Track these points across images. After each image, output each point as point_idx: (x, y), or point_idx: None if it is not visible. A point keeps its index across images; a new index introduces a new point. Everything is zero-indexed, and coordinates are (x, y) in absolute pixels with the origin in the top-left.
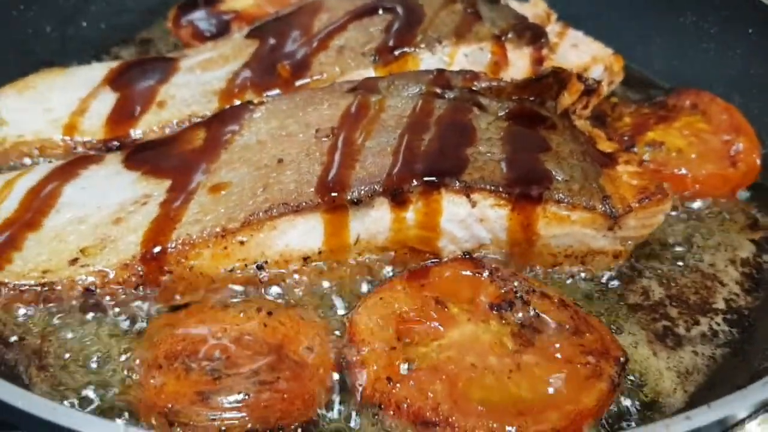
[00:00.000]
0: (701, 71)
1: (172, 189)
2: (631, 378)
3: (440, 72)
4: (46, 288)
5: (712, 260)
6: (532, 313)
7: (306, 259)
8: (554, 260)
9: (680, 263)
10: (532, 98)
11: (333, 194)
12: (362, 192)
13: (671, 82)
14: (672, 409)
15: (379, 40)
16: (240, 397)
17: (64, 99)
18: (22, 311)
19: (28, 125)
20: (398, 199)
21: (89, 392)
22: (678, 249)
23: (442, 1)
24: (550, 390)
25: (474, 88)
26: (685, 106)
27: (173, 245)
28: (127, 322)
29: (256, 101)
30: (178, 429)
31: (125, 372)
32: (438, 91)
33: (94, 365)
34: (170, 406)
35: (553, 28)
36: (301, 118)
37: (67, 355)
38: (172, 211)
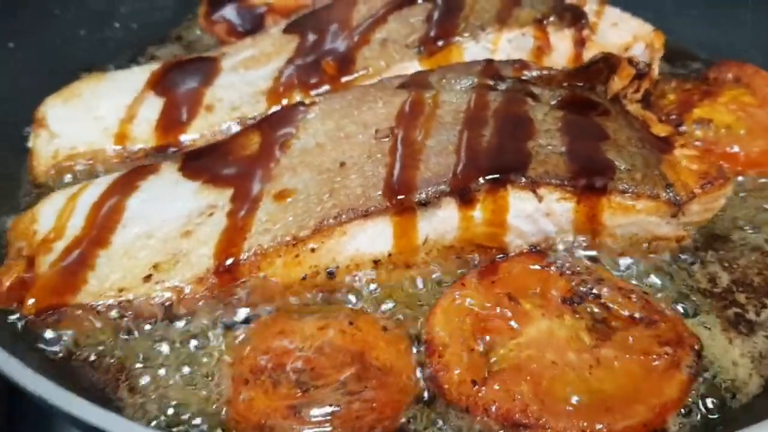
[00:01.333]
0: (739, 41)
1: (235, 198)
2: (709, 364)
3: (489, 63)
4: (124, 306)
5: None
6: (604, 305)
7: (377, 263)
8: (619, 249)
9: (739, 243)
10: (581, 84)
11: (400, 197)
12: (429, 193)
13: (709, 54)
14: (750, 395)
15: (421, 31)
16: (332, 409)
17: (111, 106)
18: (100, 330)
19: (79, 136)
20: (465, 198)
21: (180, 411)
22: (734, 229)
23: None
24: (632, 384)
25: (524, 78)
26: (727, 80)
27: (245, 256)
28: (207, 337)
29: (307, 101)
30: None
31: (213, 388)
32: (490, 83)
33: (180, 382)
34: (264, 421)
35: (590, 7)
36: (357, 118)
37: (152, 373)
38: (240, 221)
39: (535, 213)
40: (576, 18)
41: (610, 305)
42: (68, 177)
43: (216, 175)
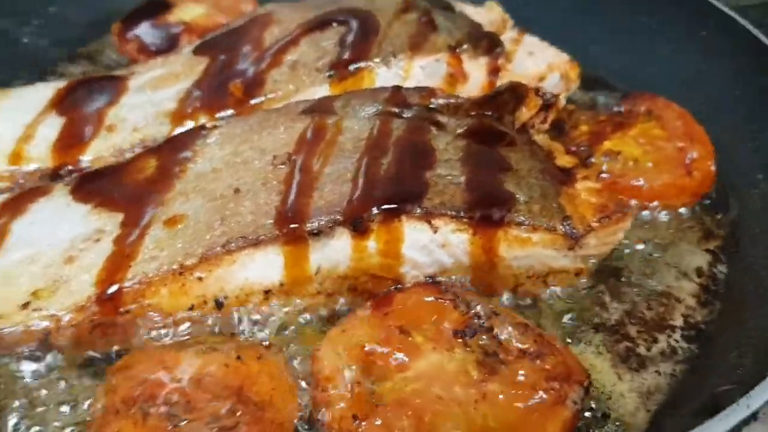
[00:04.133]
0: (655, 73)
1: (125, 223)
2: (595, 400)
3: (396, 89)
4: None
5: (668, 272)
6: (495, 338)
7: (267, 293)
8: (516, 281)
9: (637, 277)
10: (489, 113)
11: (292, 226)
12: (321, 222)
13: (625, 84)
14: (636, 430)
15: (333, 54)
16: None
17: (10, 125)
18: None
19: None
20: (359, 228)
21: None
22: (634, 262)
23: (395, 10)
24: (516, 419)
25: (431, 106)
26: (640, 112)
27: (129, 284)
28: (85, 367)
29: (209, 125)
30: None
31: (85, 418)
32: (395, 110)
33: (50, 413)
34: None
35: (508, 35)
36: (256, 143)
37: (19, 404)
38: (127, 247)
39: (430, 244)
40: (491, 46)
41: (502, 339)
42: None
43: (108, 198)
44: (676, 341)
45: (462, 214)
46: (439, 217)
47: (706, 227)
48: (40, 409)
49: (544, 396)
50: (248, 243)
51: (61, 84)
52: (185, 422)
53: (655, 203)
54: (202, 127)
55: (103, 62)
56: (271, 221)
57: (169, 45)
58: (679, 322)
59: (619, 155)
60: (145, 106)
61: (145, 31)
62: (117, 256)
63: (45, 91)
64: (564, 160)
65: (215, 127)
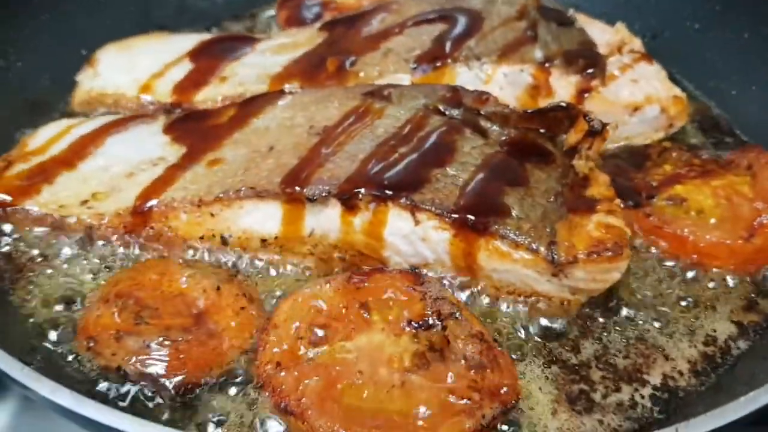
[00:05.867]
0: None
1: (183, 156)
2: (514, 424)
3: (455, 89)
4: (57, 219)
5: (673, 327)
6: (446, 338)
7: (263, 242)
8: (497, 293)
9: (625, 321)
10: (542, 130)
11: (292, 188)
12: (317, 191)
13: (756, 137)
14: None
15: (425, 48)
16: (143, 344)
17: (153, 62)
18: (33, 233)
19: (113, 80)
20: (348, 204)
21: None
22: (644, 310)
23: (508, 17)
24: (416, 413)
25: (482, 111)
26: (741, 165)
27: (159, 205)
28: (112, 260)
29: (287, 90)
30: (90, 354)
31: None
32: (441, 107)
33: (70, 286)
34: (94, 335)
35: (620, 59)
36: (310, 113)
37: (46, 274)
38: (172, 175)
39: (411, 235)
40: (587, 66)
41: (449, 341)
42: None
43: (184, 134)
44: (642, 397)
45: (445, 213)
46: (423, 211)
47: (752, 299)
48: (55, 280)
49: (457, 402)
50: (254, 194)
51: (207, 36)
52: (144, 325)
53: (705, 261)
54: (282, 91)
55: (261, 25)
56: (279, 180)
57: (313, 20)
58: (655, 380)
59: (684, 202)
60: (257, 66)
61: (298, 3)
62: (161, 180)
63: (193, 40)
64: (598, 191)
65: (291, 93)
